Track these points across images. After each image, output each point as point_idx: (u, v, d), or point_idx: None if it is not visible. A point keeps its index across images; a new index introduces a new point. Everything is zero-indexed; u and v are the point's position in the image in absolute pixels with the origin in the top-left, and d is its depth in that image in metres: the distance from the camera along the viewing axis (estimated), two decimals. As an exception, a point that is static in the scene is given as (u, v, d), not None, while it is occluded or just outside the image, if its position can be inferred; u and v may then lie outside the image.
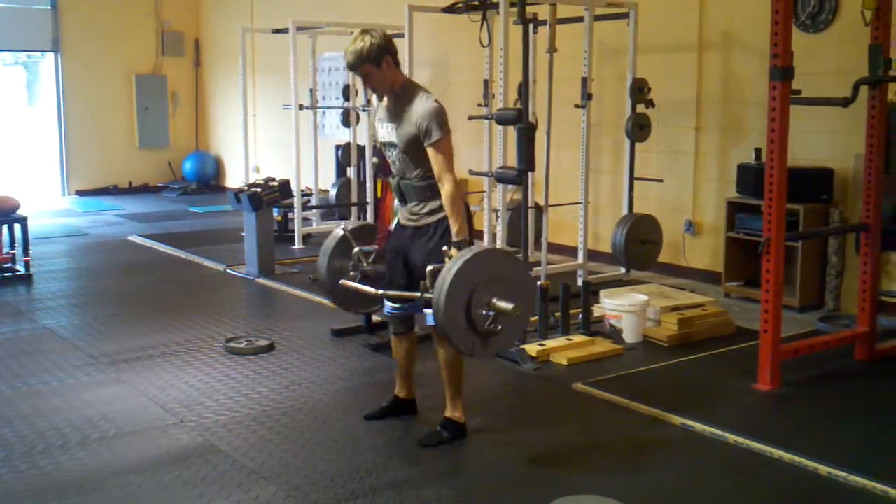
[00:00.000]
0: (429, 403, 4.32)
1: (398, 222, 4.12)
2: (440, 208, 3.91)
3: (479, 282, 3.56)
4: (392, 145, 3.98)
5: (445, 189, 3.82)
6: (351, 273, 4.32)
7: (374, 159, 4.32)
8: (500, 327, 3.60)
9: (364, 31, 3.89)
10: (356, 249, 4.31)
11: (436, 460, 3.87)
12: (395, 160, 4.02)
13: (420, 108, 3.84)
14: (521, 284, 3.73)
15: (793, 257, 6.12)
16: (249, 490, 3.56)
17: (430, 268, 3.72)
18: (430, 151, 3.84)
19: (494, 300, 3.58)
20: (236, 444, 4.01)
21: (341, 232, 4.37)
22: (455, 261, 3.57)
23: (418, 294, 3.81)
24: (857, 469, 3.66)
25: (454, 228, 3.82)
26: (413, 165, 3.93)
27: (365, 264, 4.32)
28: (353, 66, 3.91)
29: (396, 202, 4.14)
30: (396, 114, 3.93)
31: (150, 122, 13.79)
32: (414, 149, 3.88)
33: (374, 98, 4.20)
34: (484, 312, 3.57)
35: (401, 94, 3.94)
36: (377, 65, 3.86)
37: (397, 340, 4.26)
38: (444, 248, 3.79)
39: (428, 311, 3.92)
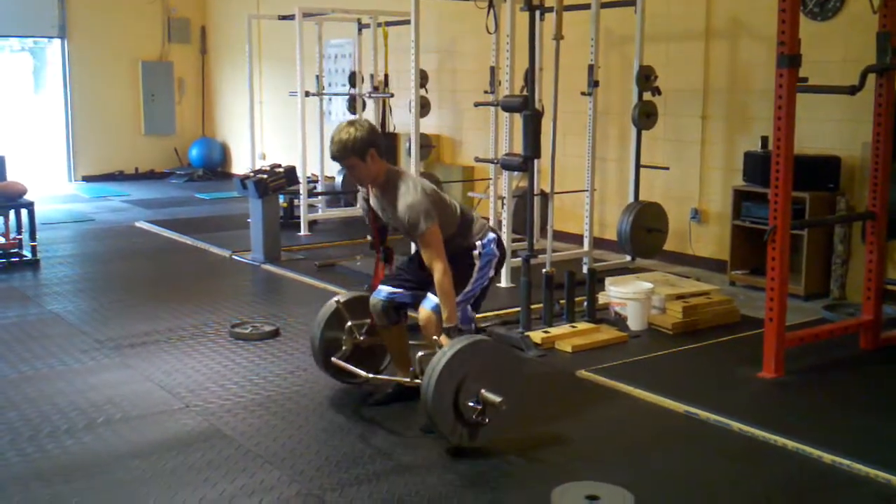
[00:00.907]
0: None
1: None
2: (459, 247, 4.05)
3: (468, 372, 3.64)
4: (396, 229, 4.18)
5: (436, 277, 3.90)
6: (343, 347, 4.36)
7: (368, 237, 4.41)
8: (487, 420, 3.66)
9: (350, 123, 3.99)
10: (349, 323, 4.35)
11: (439, 446, 3.87)
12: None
13: (402, 204, 3.93)
14: (509, 374, 3.80)
15: (798, 245, 6.11)
16: (254, 474, 3.58)
17: (420, 354, 3.88)
18: (418, 243, 4.00)
19: (483, 392, 3.64)
20: (241, 429, 4.03)
21: (334, 304, 4.40)
22: (446, 350, 3.65)
23: (407, 380, 4.03)
24: (861, 457, 3.66)
25: (444, 314, 3.90)
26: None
27: (358, 337, 4.37)
28: (337, 158, 3.99)
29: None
30: (385, 203, 4.06)
31: (157, 108, 13.80)
32: (411, 234, 4.03)
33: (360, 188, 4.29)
34: (472, 404, 3.64)
35: (385, 186, 4.04)
36: (362, 157, 3.95)
37: (387, 332, 4.31)
38: (434, 337, 3.90)
39: (434, 298, 3.95)
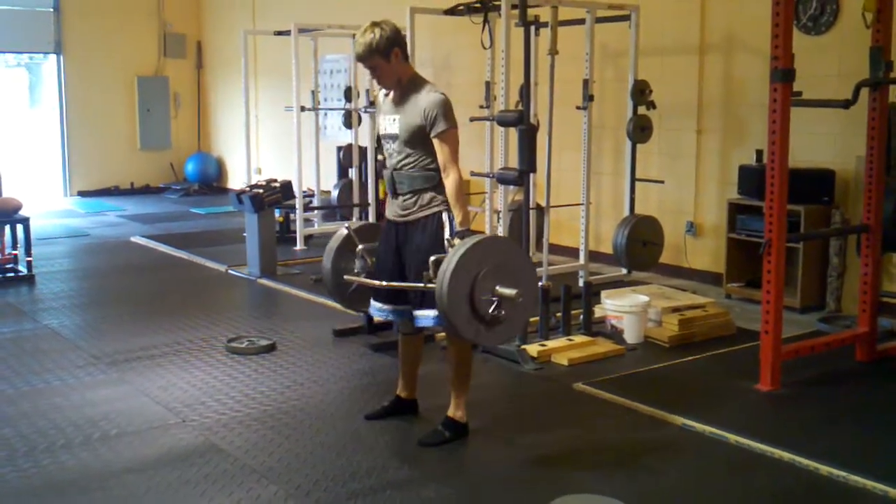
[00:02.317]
0: (430, 404, 4.33)
1: (388, 220, 4.12)
2: (431, 202, 3.93)
3: (482, 269, 3.58)
4: (393, 137, 3.98)
5: (450, 179, 3.84)
6: (356, 271, 4.31)
7: (380, 156, 4.31)
8: (503, 313, 3.61)
9: (374, 24, 3.90)
10: (360, 247, 4.31)
11: (437, 460, 3.88)
12: (392, 152, 4.01)
13: (427, 98, 3.86)
14: (523, 271, 3.74)
15: (794, 258, 6.12)
16: (251, 489, 3.57)
17: (433, 258, 3.74)
18: (436, 142, 3.86)
19: (498, 286, 3.59)
20: (238, 444, 4.02)
21: (345, 231, 4.36)
22: (458, 248, 3.59)
23: (421, 285, 3.82)
24: (858, 469, 3.66)
25: (458, 218, 3.84)
26: (411, 156, 3.93)
27: (369, 262, 4.31)
28: (361, 58, 3.91)
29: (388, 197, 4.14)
30: (402, 104, 3.94)
31: (152, 123, 13.82)
32: (416, 139, 3.89)
33: (379, 94, 4.19)
34: (487, 298, 3.58)
35: (408, 87, 3.95)
36: (386, 57, 3.87)
37: (406, 340, 4.26)
38: (447, 237, 3.82)
39: (420, 314, 3.92)
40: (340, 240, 4.36)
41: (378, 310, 4.16)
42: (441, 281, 3.54)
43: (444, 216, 3.93)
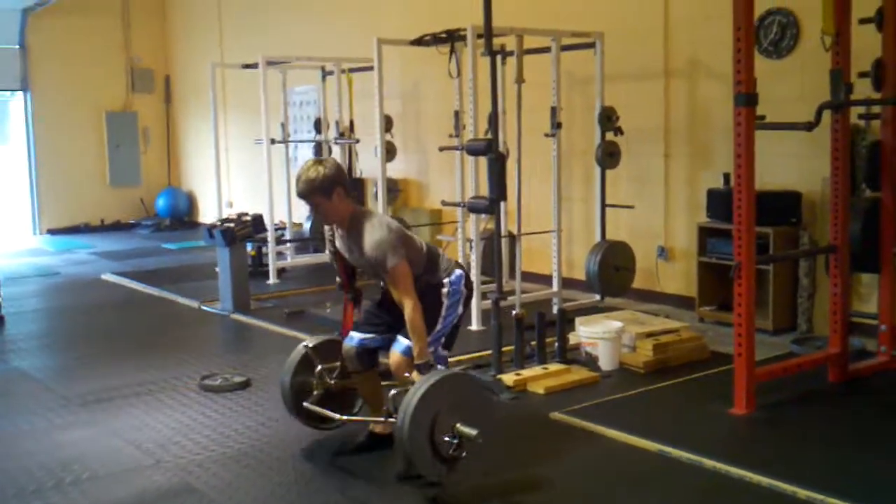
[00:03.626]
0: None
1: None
2: (426, 286, 4.04)
3: (442, 407, 3.62)
4: (360, 266, 4.18)
5: (406, 313, 3.90)
6: (314, 392, 4.33)
7: (337, 279, 4.41)
8: (464, 454, 3.64)
9: (317, 162, 4.02)
10: (319, 367, 4.33)
11: (413, 493, 3.85)
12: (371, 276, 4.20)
13: (370, 242, 3.94)
14: (482, 408, 3.80)
15: (764, 280, 6.17)
16: (227, 530, 3.53)
17: (392, 392, 3.85)
18: (387, 279, 3.99)
19: (458, 426, 3.63)
20: (213, 484, 3.98)
21: (303, 349, 4.38)
22: (419, 386, 3.64)
23: (382, 419, 4.00)
24: (835, 491, 3.67)
25: (416, 350, 3.89)
26: (388, 283, 4.08)
27: (329, 380, 4.34)
28: (303, 195, 4.00)
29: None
30: (351, 243, 4.06)
31: (122, 159, 13.75)
32: (377, 271, 4.04)
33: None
34: (448, 438, 3.63)
35: (351, 226, 4.05)
36: (328, 196, 3.96)
37: (360, 377, 4.29)
38: (406, 374, 3.88)
39: (404, 342, 3.94)
40: (299, 357, 4.40)
41: (360, 339, 4.19)
42: (403, 423, 3.59)
43: (445, 281, 4.09)
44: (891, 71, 5.16)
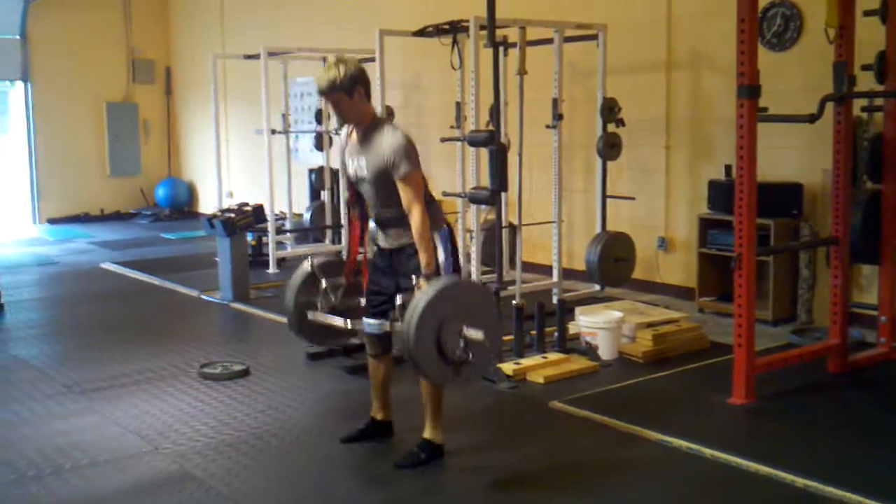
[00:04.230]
0: (405, 425, 4.30)
1: (378, 247, 4.13)
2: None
3: (448, 313, 3.60)
4: (363, 180, 4.01)
5: (414, 221, 3.84)
6: (319, 308, 4.30)
7: (346, 194, 4.33)
8: (471, 356, 3.62)
9: (339, 60, 3.93)
10: (324, 284, 4.30)
11: (412, 482, 3.86)
12: (368, 194, 4.05)
13: (388, 142, 3.87)
14: (488, 313, 3.77)
15: (765, 272, 6.17)
16: (226, 516, 3.54)
17: (399, 300, 3.79)
18: (399, 184, 3.87)
19: (465, 329, 3.61)
20: (212, 471, 3.98)
21: (308, 267, 4.34)
22: (425, 292, 3.61)
23: (387, 322, 3.88)
24: (833, 480, 3.68)
25: (423, 260, 3.83)
26: (387, 196, 3.94)
27: (333, 298, 4.31)
28: (324, 93, 3.92)
29: (373, 227, 4.15)
30: (366, 146, 3.96)
31: (122, 149, 13.73)
32: (385, 181, 3.91)
33: (342, 134, 4.20)
34: (454, 342, 3.60)
35: (369, 129, 3.97)
36: (349, 94, 3.89)
37: (376, 362, 4.25)
38: (414, 279, 3.82)
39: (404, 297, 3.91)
40: (303, 276, 4.35)
41: (370, 325, 4.13)
42: (409, 327, 3.56)
43: (436, 239, 3.94)
44: (894, 64, 5.15)
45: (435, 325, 3.56)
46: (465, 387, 3.70)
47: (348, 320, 4.11)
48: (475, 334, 3.59)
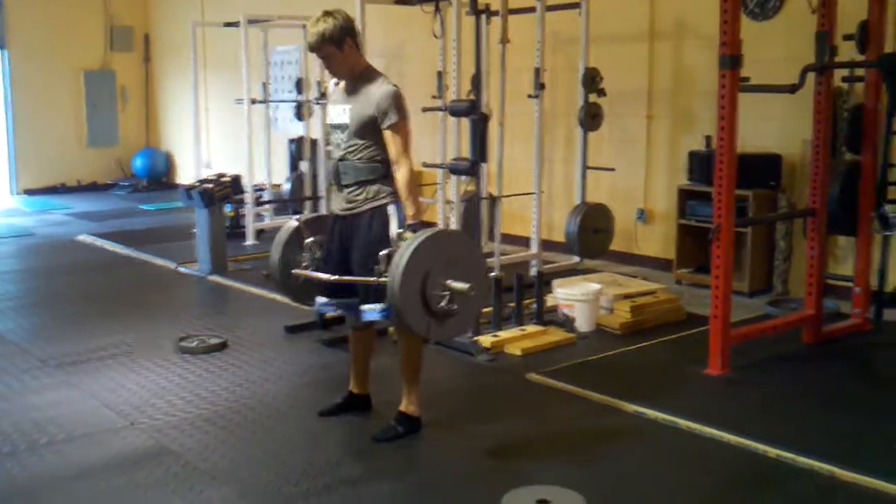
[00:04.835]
0: (383, 399, 4.30)
1: (334, 215, 4.07)
2: (377, 194, 3.89)
3: (434, 263, 3.56)
4: (342, 127, 3.94)
5: (402, 171, 3.81)
6: (304, 265, 4.23)
7: (329, 147, 4.25)
8: (455, 307, 3.60)
9: (326, 13, 3.87)
10: (309, 240, 4.25)
11: (390, 455, 3.86)
12: (339, 142, 3.96)
13: (381, 90, 3.84)
14: (474, 265, 3.73)
15: (742, 243, 6.19)
16: (202, 492, 3.53)
17: (384, 252, 3.72)
18: (388, 134, 3.83)
19: (450, 281, 3.58)
20: (189, 446, 3.97)
21: (294, 223, 4.30)
22: (410, 242, 3.56)
23: (373, 279, 3.76)
24: (805, 451, 3.72)
25: (409, 211, 3.81)
26: (359, 147, 3.89)
27: (318, 255, 4.25)
28: (314, 48, 3.87)
29: (327, 184, 4.08)
30: (354, 94, 3.91)
31: (99, 118, 13.57)
32: (366, 130, 3.86)
33: (329, 84, 4.14)
34: (439, 293, 3.57)
35: (361, 78, 3.93)
36: (339, 47, 3.84)
37: (358, 335, 4.23)
38: (399, 230, 3.79)
39: (367, 308, 3.86)
40: (289, 232, 4.27)
41: (324, 304, 4.11)
42: (393, 276, 3.51)
43: (391, 208, 3.88)
44: (875, 33, 5.13)
45: (420, 277, 3.52)
46: (448, 338, 3.64)
47: (332, 276, 4.01)
48: (460, 286, 3.57)
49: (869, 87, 5.26)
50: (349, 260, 3.96)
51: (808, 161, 5.29)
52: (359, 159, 3.90)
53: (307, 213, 4.34)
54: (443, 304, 3.57)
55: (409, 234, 3.70)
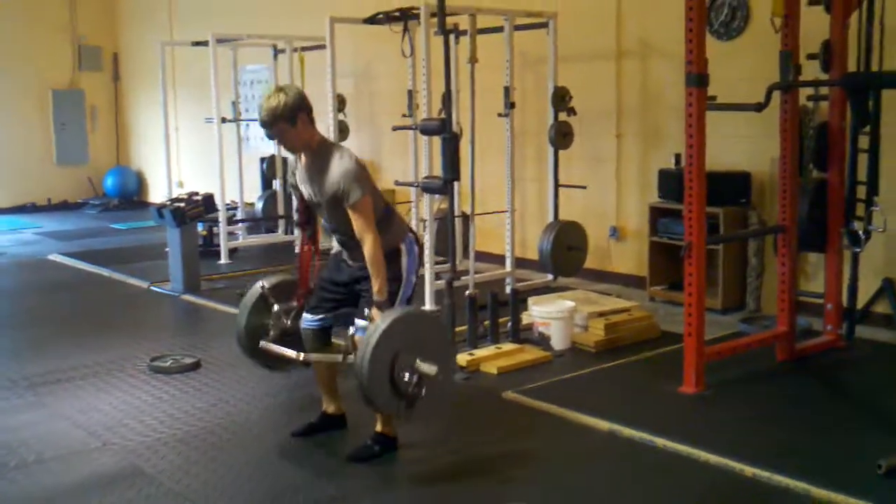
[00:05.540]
0: (359, 419, 4.26)
1: (341, 258, 4.11)
2: (385, 248, 3.92)
3: (402, 345, 3.59)
4: (317, 205, 4.00)
5: (367, 248, 3.80)
6: (271, 332, 4.25)
7: (295, 216, 4.33)
8: (423, 391, 3.62)
9: (278, 89, 3.89)
10: (276, 308, 4.25)
11: (366, 475, 3.85)
12: (325, 217, 4.03)
13: (338, 169, 3.82)
14: (442, 346, 3.77)
15: (714, 260, 6.24)
16: (176, 513, 3.50)
17: (351, 331, 3.79)
18: (350, 212, 3.83)
19: (418, 363, 3.60)
20: (161, 467, 3.93)
21: (260, 289, 4.30)
22: (378, 324, 3.59)
23: (339, 356, 3.86)
24: (780, 469, 3.73)
25: (375, 287, 3.80)
26: (342, 222, 3.92)
27: (286, 321, 4.27)
28: (266, 124, 3.85)
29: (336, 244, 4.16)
30: (315, 173, 3.92)
31: (68, 137, 13.48)
32: (338, 206, 3.87)
33: (291, 160, 4.16)
34: (407, 375, 3.59)
35: (317, 154, 3.92)
36: (292, 123, 3.83)
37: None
38: (366, 309, 3.81)
39: (361, 324, 3.88)
40: (255, 297, 4.30)
41: (310, 321, 4.12)
42: (362, 358, 3.54)
43: (402, 248, 3.98)
44: (838, 53, 5.22)
45: (388, 359, 3.56)
46: (413, 420, 3.70)
47: (301, 353, 4.07)
48: (429, 369, 3.59)
49: (833, 106, 5.35)
50: (350, 295, 3.99)
51: (777, 178, 5.35)
52: (349, 233, 3.90)
53: (272, 279, 4.33)
54: (412, 387, 3.60)
55: (375, 313, 3.73)
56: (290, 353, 4.07)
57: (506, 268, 7.08)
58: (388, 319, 3.60)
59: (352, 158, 3.85)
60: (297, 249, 4.92)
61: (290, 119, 3.81)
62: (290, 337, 4.25)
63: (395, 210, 4.18)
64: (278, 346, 4.15)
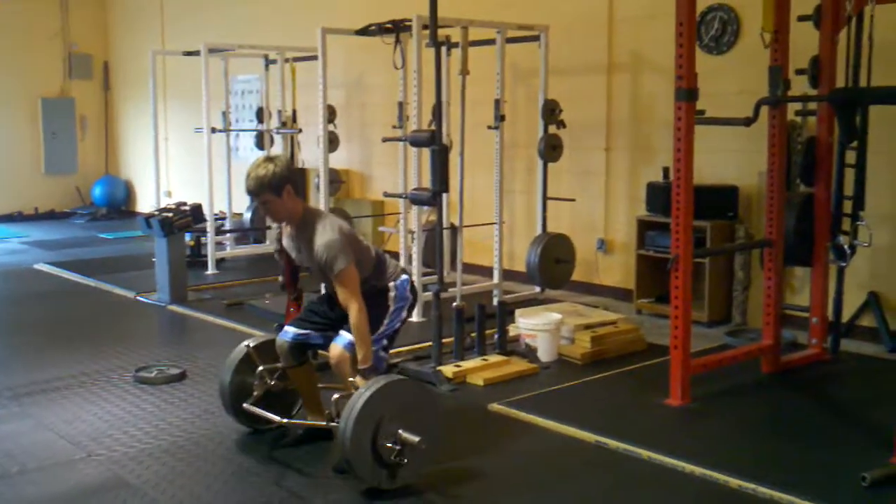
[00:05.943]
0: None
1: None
2: (385, 286, 4.05)
3: (385, 413, 3.60)
4: (309, 269, 4.12)
5: (351, 317, 3.86)
6: (255, 393, 4.26)
7: (280, 278, 4.38)
8: (406, 460, 3.62)
9: (267, 160, 3.95)
10: (260, 368, 4.27)
11: (352, 486, 3.82)
12: (319, 279, 4.13)
13: (321, 240, 3.88)
14: (427, 414, 3.78)
15: (701, 273, 6.26)
16: (160, 524, 3.47)
17: (335, 396, 3.83)
18: (335, 282, 3.90)
19: (401, 432, 3.61)
20: (146, 478, 3.91)
21: (245, 349, 4.32)
22: (362, 391, 3.61)
23: (324, 423, 3.96)
24: (765, 481, 3.74)
25: (360, 355, 3.85)
26: (334, 287, 4.00)
27: (269, 381, 4.28)
28: (253, 193, 3.93)
29: None
30: (302, 243, 4.02)
31: (58, 146, 13.44)
32: (327, 275, 3.96)
33: (277, 228, 4.24)
34: (390, 445, 3.60)
35: (301, 225, 4.00)
36: (278, 193, 3.89)
37: (295, 372, 4.24)
38: (350, 379, 3.85)
39: (346, 336, 3.90)
40: (240, 357, 4.33)
41: (295, 334, 4.15)
42: (345, 425, 3.55)
43: (391, 293, 4.08)
44: (827, 68, 5.26)
45: (371, 427, 3.57)
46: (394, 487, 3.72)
47: (285, 419, 4.13)
48: (412, 438, 3.60)
49: (821, 121, 5.38)
50: (341, 321, 4.01)
51: (765, 192, 5.38)
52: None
53: (257, 338, 4.36)
54: (394, 456, 3.61)
55: (360, 381, 3.76)
56: (273, 416, 4.13)
57: (493, 280, 7.09)
58: (372, 388, 3.62)
59: (335, 228, 3.91)
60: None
61: (275, 190, 3.88)
62: (274, 397, 4.30)
63: (387, 257, 4.24)
64: (261, 410, 4.20)
